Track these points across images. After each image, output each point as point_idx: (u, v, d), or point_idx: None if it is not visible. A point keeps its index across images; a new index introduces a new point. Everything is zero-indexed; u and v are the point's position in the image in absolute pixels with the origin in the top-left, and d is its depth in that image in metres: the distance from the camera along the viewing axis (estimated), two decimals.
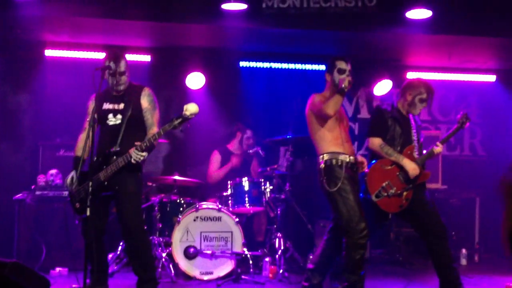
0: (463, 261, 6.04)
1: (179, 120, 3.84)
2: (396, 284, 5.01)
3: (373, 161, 4.39)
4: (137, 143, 3.94)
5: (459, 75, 6.92)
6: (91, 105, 4.19)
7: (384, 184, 4.28)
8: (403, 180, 4.31)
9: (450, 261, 4.27)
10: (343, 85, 4.04)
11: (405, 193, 4.30)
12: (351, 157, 4.19)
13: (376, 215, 4.37)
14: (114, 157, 4.01)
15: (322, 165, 4.16)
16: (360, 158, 4.23)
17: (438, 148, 4.40)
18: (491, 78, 7.06)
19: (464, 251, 6.05)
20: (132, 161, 3.93)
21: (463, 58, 6.55)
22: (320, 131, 4.23)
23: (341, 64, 4.26)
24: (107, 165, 4.02)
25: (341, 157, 4.14)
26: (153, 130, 4.12)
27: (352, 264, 4.01)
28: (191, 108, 3.85)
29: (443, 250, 4.26)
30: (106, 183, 4.03)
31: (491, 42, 6.03)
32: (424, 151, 4.48)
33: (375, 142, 4.37)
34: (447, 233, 4.33)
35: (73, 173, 4.13)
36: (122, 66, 4.15)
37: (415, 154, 4.39)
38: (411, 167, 4.29)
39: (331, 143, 4.19)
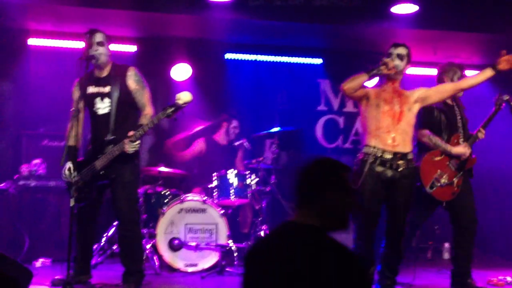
0: (446, 255, 6.11)
1: (172, 109, 3.82)
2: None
3: (422, 155, 4.46)
4: (130, 133, 3.89)
5: None
6: (75, 91, 4.14)
7: (436, 175, 4.40)
8: (454, 168, 4.45)
9: (468, 254, 4.46)
10: (378, 66, 3.99)
11: (456, 180, 4.44)
12: (386, 151, 4.01)
13: (429, 204, 4.51)
14: (110, 145, 3.96)
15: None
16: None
17: (481, 134, 4.57)
18: (475, 73, 7.11)
19: (447, 245, 6.12)
20: (127, 151, 3.90)
21: (448, 53, 6.59)
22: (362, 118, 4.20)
23: (391, 49, 4.18)
24: (102, 154, 3.98)
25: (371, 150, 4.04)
26: (147, 110, 4.07)
27: None
28: (184, 97, 3.83)
29: (465, 245, 4.46)
30: (102, 172, 3.99)
31: (475, 38, 6.08)
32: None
33: (424, 133, 4.45)
34: (476, 227, 4.48)
35: (69, 164, 4.03)
36: (99, 37, 4.07)
37: (461, 141, 4.51)
38: (462, 151, 4.41)
39: (370, 134, 4.11)
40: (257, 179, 5.44)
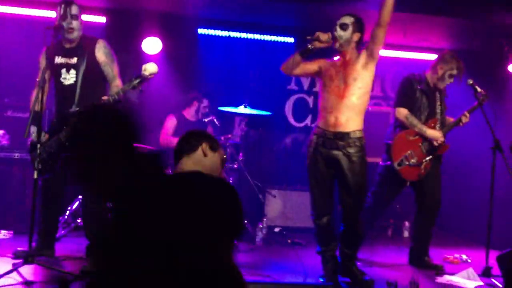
0: (405, 233, 6.26)
1: (138, 80, 3.79)
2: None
3: (397, 131, 4.56)
4: (104, 98, 3.83)
5: (414, 54, 7.04)
6: (42, 59, 4.07)
7: (407, 154, 4.49)
8: (425, 151, 4.53)
9: (427, 233, 4.66)
10: (310, 37, 3.86)
11: (424, 163, 4.53)
12: (328, 132, 3.96)
13: (395, 182, 4.61)
14: (73, 117, 3.91)
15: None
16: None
17: (465, 118, 4.64)
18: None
19: (407, 223, 6.25)
20: None
21: (418, 36, 6.66)
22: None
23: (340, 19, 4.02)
24: (67, 125, 3.92)
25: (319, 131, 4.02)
26: (116, 82, 4.03)
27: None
28: (150, 68, 3.80)
29: (426, 224, 4.64)
30: (67, 143, 3.94)
31: (444, 22, 6.14)
32: (452, 119, 4.71)
33: (402, 112, 4.52)
34: (437, 212, 4.66)
35: (35, 128, 3.92)
36: (74, 9, 4.00)
37: (438, 127, 4.59)
38: (436, 136, 4.50)
39: (319, 114, 4.09)
40: (224, 156, 5.43)
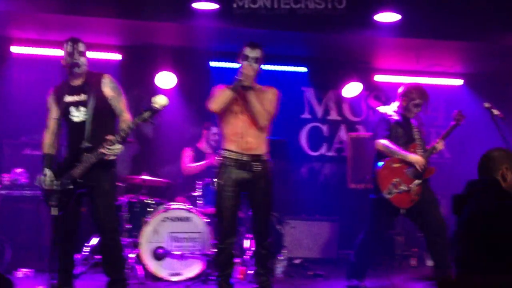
0: (429, 262, 6.13)
1: (148, 113, 3.79)
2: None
3: (380, 163, 4.54)
4: (109, 137, 3.86)
5: (426, 79, 7.02)
6: (51, 100, 4.12)
7: (394, 181, 4.46)
8: (412, 176, 4.50)
9: (446, 260, 4.47)
10: (237, 77, 3.97)
11: (414, 188, 4.50)
12: (245, 155, 4.06)
13: (388, 212, 4.57)
14: (85, 153, 3.93)
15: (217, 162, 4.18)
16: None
17: (439, 145, 4.62)
18: (459, 82, 7.21)
19: None
20: (107, 157, 3.86)
21: (431, 61, 6.66)
22: (220, 125, 4.21)
23: (246, 50, 4.15)
24: (79, 162, 3.94)
25: (231, 154, 4.09)
26: (124, 116, 4.04)
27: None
28: (159, 100, 3.81)
29: (441, 249, 4.48)
30: (80, 180, 3.96)
31: (458, 46, 6.16)
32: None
33: (380, 142, 4.54)
34: (447, 232, 4.52)
35: (46, 171, 3.97)
36: (81, 46, 4.06)
37: (419, 152, 4.58)
38: (417, 159, 4.48)
39: (227, 139, 4.15)
40: None
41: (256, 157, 4.08)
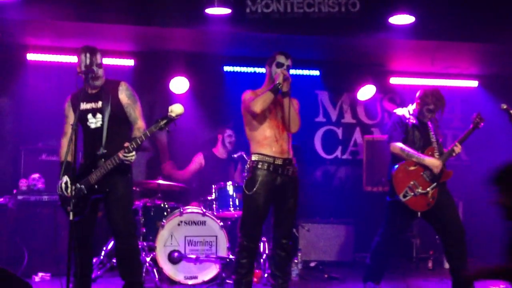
0: (446, 265, 6.06)
1: (164, 121, 3.82)
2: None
3: (396, 165, 4.53)
4: (126, 145, 3.89)
5: (442, 81, 6.98)
6: (68, 107, 4.16)
7: (410, 184, 4.45)
8: (428, 179, 4.48)
9: (463, 263, 4.44)
10: (277, 82, 4.03)
11: (430, 192, 4.48)
12: (278, 158, 4.07)
13: (404, 215, 4.55)
14: (102, 160, 3.96)
15: (248, 165, 4.17)
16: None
17: (457, 148, 4.59)
18: (474, 83, 7.14)
19: None
20: (125, 161, 3.90)
21: (446, 63, 6.62)
22: (250, 130, 4.20)
23: (280, 58, 4.23)
24: (95, 168, 3.98)
25: (264, 158, 4.08)
26: (138, 124, 4.07)
27: (236, 265, 4.13)
28: (176, 109, 3.84)
29: (459, 253, 4.46)
30: (96, 186, 3.99)
31: (473, 48, 6.11)
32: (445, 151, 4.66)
33: (396, 146, 4.53)
34: (465, 237, 4.50)
35: (66, 178, 3.98)
36: (99, 58, 4.10)
37: (436, 155, 4.56)
38: (434, 163, 4.46)
39: (259, 143, 4.14)
40: None
41: (288, 161, 4.11)
